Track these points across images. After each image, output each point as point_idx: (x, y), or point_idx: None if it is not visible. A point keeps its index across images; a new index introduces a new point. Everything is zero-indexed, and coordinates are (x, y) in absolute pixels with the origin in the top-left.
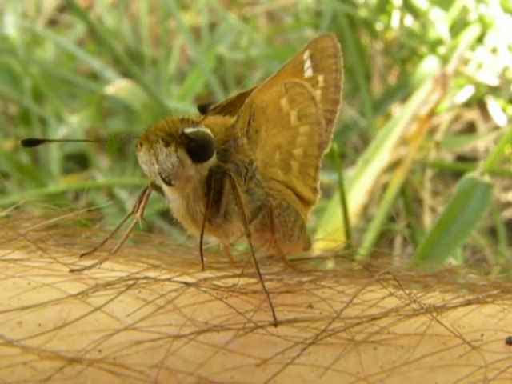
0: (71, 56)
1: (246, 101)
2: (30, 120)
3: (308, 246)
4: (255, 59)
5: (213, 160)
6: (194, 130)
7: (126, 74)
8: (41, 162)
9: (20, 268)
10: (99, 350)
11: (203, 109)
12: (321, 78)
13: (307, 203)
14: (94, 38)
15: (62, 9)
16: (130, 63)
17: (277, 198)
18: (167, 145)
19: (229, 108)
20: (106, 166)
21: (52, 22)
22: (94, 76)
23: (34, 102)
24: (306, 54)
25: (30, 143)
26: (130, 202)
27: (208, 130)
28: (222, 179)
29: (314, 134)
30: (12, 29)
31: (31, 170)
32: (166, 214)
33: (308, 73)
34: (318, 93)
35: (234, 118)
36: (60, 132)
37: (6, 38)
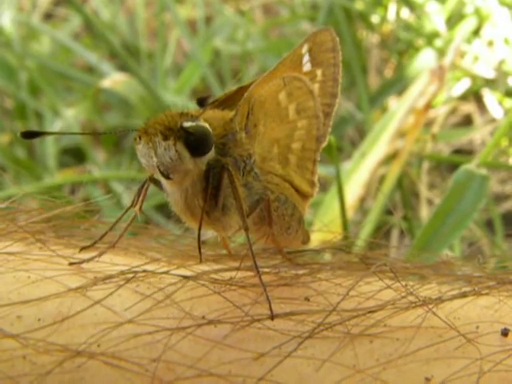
0: (67, 49)
1: (245, 95)
2: (26, 114)
3: (306, 239)
4: (251, 52)
5: (211, 154)
6: (193, 123)
7: (122, 68)
8: (37, 156)
9: (20, 261)
10: (98, 344)
11: (202, 102)
12: (319, 72)
13: (305, 196)
14: (89, 32)
15: (57, 2)
16: (126, 57)
17: (275, 192)
18: (166, 138)
19: (227, 102)
20: (101, 160)
21: (48, 16)
22: (90, 69)
23: (30, 95)
24: (305, 48)
25: (29, 135)
26: (126, 196)
27: (207, 124)
28: (221, 173)
29: (312, 127)
30: (8, 22)
31: (27, 164)
32: (162, 209)
33: (306, 67)
34: (316, 87)
35: (233, 112)
36: (56, 126)
37: (2, 32)
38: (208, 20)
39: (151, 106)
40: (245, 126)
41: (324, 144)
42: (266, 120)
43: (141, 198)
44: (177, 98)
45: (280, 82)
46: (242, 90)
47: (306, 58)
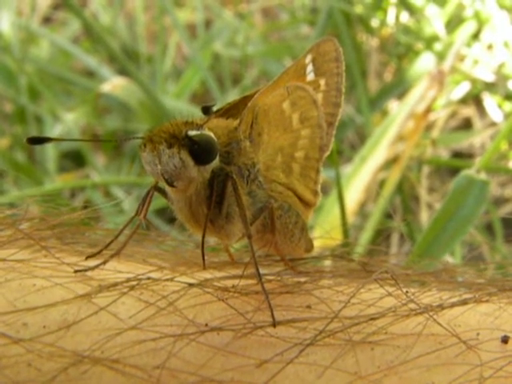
0: (67, 54)
1: (249, 104)
2: (26, 118)
3: (310, 247)
4: (251, 56)
5: (215, 162)
6: (198, 132)
7: (121, 72)
8: (37, 160)
9: (25, 268)
10: (102, 351)
11: (206, 110)
12: (322, 82)
13: (308, 205)
14: (89, 36)
15: (56, 6)
16: (126, 61)
17: (278, 200)
18: (170, 146)
19: (232, 111)
20: (101, 164)
21: (47, 20)
22: (90, 74)
23: (30, 99)
24: (308, 58)
25: (35, 141)
26: (126, 201)
27: (211, 133)
28: (225, 181)
29: (315, 136)
30: (7, 26)
31: (27, 168)
32: (162, 213)
33: (310, 76)
34: (319, 96)
35: (237, 121)
36: (56, 130)
37: (1, 36)
38: (208, 24)
39: (151, 110)
40: (249, 135)
41: (327, 153)
42: (270, 129)
43: (145, 207)
44: (176, 102)
45: (284, 92)
46: (246, 99)
47: (310, 67)
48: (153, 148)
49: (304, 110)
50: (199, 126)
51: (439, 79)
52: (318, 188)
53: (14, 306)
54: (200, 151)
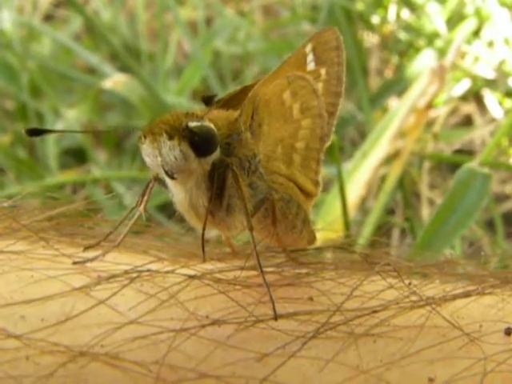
0: (68, 51)
1: (249, 94)
2: (27, 115)
3: (313, 239)
4: (252, 53)
5: (216, 154)
6: (198, 124)
7: (123, 69)
8: (38, 157)
9: (23, 260)
10: (102, 345)
11: (207, 101)
12: (323, 71)
13: (309, 196)
14: (90, 33)
15: (58, 3)
16: (127, 58)
17: (279, 192)
18: (171, 138)
19: (232, 102)
20: (103, 161)
21: (48, 17)
22: (91, 70)
23: (31, 96)
24: (309, 47)
25: (34, 133)
26: (127, 196)
27: (212, 125)
28: (225, 173)
29: (315, 126)
30: (9, 24)
31: (29, 165)
32: (164, 209)
33: (311, 66)
34: (320, 86)
35: (238, 112)
36: (57, 126)
37: (3, 33)
38: (208, 21)
39: (152, 107)
40: (249, 126)
41: (328, 143)
42: (271, 119)
43: (145, 198)
44: (178, 99)
45: (284, 82)
46: (246, 90)
47: (310, 57)
48: (153, 140)
49: (304, 100)
50: (200, 118)
51: (440, 74)
52: (319, 178)
53: (11, 298)
54: (200, 143)
